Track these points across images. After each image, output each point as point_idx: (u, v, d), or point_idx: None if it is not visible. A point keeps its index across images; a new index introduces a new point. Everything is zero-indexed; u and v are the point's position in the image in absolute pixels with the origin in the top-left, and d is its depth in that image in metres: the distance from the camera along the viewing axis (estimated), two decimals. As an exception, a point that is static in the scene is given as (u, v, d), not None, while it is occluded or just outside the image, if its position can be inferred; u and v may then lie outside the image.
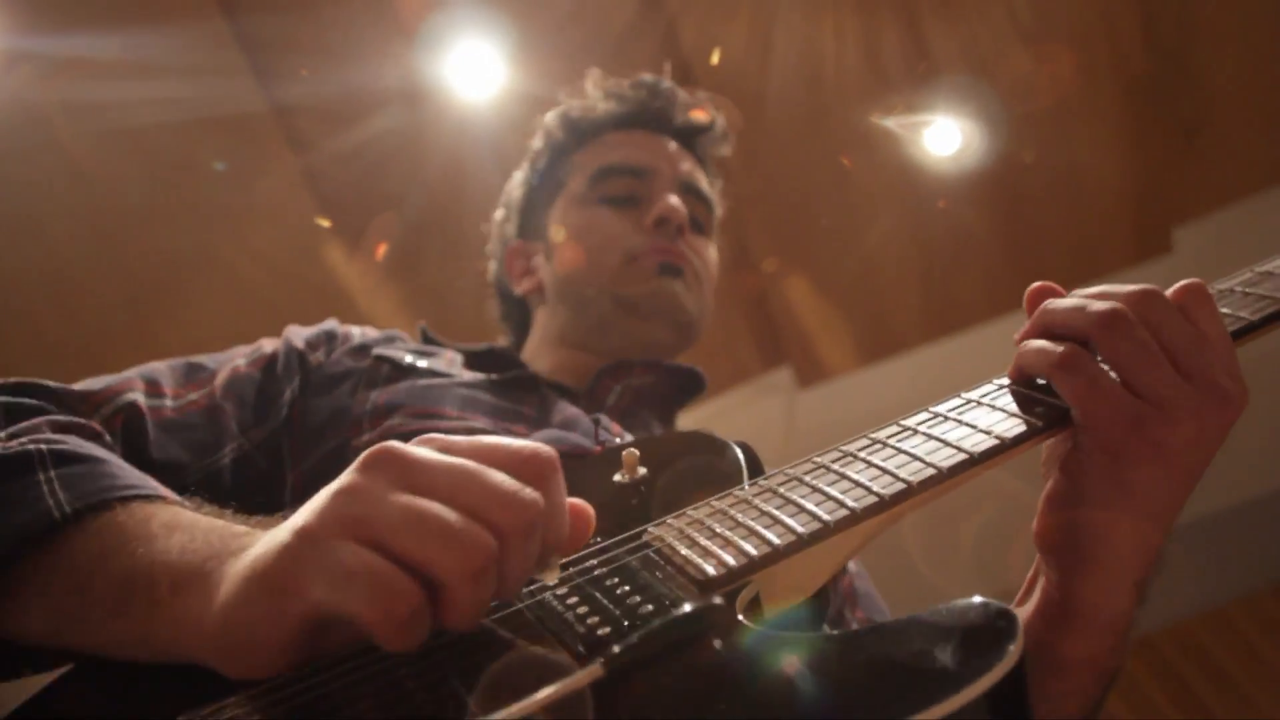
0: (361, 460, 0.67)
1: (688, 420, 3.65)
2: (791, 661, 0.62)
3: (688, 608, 0.67)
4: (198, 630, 0.69)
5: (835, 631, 0.68)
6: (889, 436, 0.86)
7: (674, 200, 1.52)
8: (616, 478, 0.91)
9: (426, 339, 1.52)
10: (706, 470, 0.91)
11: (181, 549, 0.75)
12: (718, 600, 0.68)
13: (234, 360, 1.28)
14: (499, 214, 1.77)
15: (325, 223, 2.93)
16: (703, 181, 1.66)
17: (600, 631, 0.66)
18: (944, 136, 3.20)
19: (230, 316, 2.93)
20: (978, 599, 0.62)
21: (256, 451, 1.20)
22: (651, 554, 0.75)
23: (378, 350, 1.35)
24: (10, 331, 2.85)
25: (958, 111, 3.16)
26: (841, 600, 1.27)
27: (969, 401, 0.88)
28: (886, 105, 3.13)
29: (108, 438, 1.04)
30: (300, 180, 2.83)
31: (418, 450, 0.67)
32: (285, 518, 0.75)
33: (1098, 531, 0.85)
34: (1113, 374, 0.83)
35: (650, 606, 0.68)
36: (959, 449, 0.80)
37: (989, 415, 0.84)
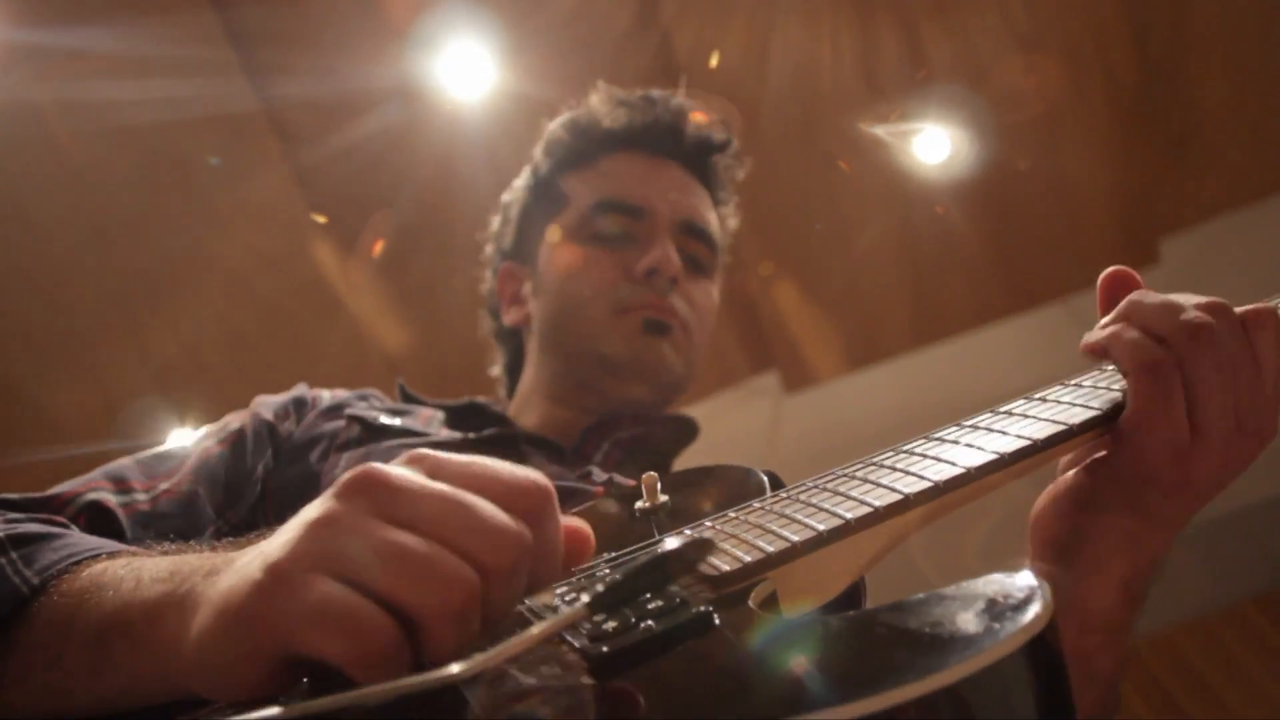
0: (342, 484, 0.62)
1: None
2: (806, 640, 0.60)
3: (697, 601, 0.66)
4: (177, 656, 0.66)
5: (852, 613, 0.66)
6: (917, 446, 0.85)
7: (668, 251, 1.44)
8: (638, 505, 0.90)
9: (406, 396, 1.47)
10: (730, 492, 0.89)
11: (152, 579, 0.73)
12: (730, 595, 0.67)
13: (203, 442, 1.24)
14: (495, 221, 1.70)
15: (321, 219, 2.92)
16: (707, 216, 1.57)
17: (607, 625, 0.64)
18: (934, 144, 3.21)
19: (221, 313, 2.93)
20: (998, 574, 0.60)
21: (234, 532, 1.15)
22: (668, 554, 0.74)
23: (350, 410, 1.31)
24: (1, 328, 2.84)
25: (948, 119, 3.16)
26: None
27: (1001, 414, 0.88)
28: (877, 113, 3.14)
29: (74, 529, 1.01)
30: (291, 178, 2.83)
31: (402, 474, 0.63)
32: (262, 536, 0.72)
33: (1103, 537, 0.85)
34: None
35: (659, 601, 0.66)
36: (986, 450, 0.80)
37: (1020, 424, 0.84)
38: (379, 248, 2.87)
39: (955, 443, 0.83)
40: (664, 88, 1.65)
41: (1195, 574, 4.08)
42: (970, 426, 0.86)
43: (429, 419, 1.37)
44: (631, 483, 1.20)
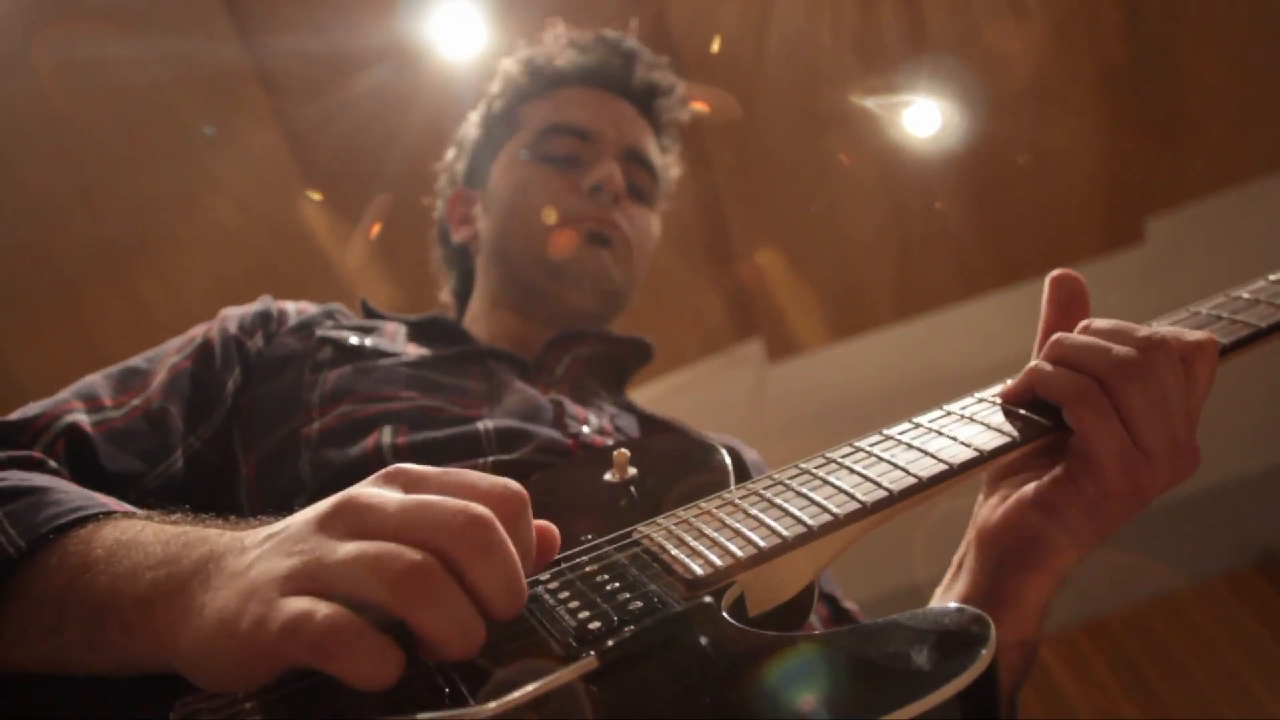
0: (324, 511, 0.68)
1: (656, 393, 3.65)
2: (774, 660, 0.64)
3: (676, 606, 0.69)
4: (174, 653, 0.70)
5: (816, 632, 0.70)
6: (873, 445, 0.89)
7: (612, 169, 1.50)
8: (606, 477, 0.93)
9: (367, 312, 1.50)
10: (694, 472, 0.93)
11: (137, 566, 0.76)
12: (706, 599, 0.71)
13: (168, 357, 1.26)
14: (450, 153, 1.75)
15: (316, 196, 2.92)
16: (651, 149, 1.63)
17: (591, 626, 0.67)
18: (923, 118, 3.22)
19: (208, 263, 2.93)
20: (953, 604, 0.66)
21: (207, 448, 1.19)
22: (641, 552, 0.77)
23: (321, 331, 1.33)
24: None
25: (937, 93, 3.17)
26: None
27: (950, 414, 0.92)
28: (866, 85, 3.15)
29: (52, 463, 1.04)
30: (282, 137, 2.82)
31: (373, 495, 0.68)
32: (243, 519, 0.78)
33: (1055, 538, 0.91)
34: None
35: (640, 604, 0.69)
36: (938, 459, 0.84)
37: (968, 428, 0.88)
38: (366, 209, 2.87)
39: (909, 446, 0.87)
40: (658, 56, 1.68)
41: (1166, 551, 4.13)
42: (924, 428, 0.90)
43: (394, 334, 1.41)
44: (599, 441, 1.25)
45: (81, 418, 1.11)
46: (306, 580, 0.64)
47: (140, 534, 0.80)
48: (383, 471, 0.72)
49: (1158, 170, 3.48)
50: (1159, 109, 3.32)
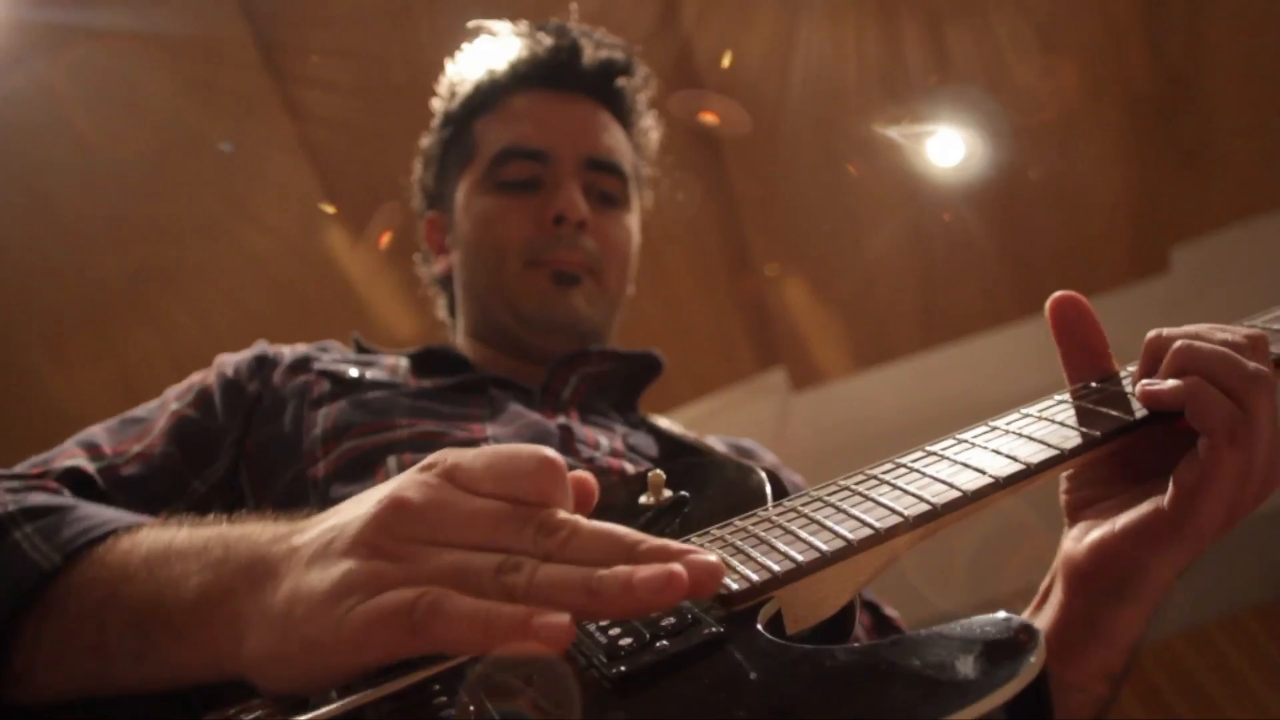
0: (376, 512, 0.66)
1: (680, 420, 3.65)
2: (810, 672, 0.62)
3: (709, 621, 0.68)
4: (234, 659, 0.68)
5: (857, 645, 0.68)
6: (916, 460, 0.86)
7: (573, 196, 1.44)
8: (642, 500, 0.92)
9: (360, 349, 1.47)
10: (733, 493, 0.91)
11: (181, 573, 0.74)
12: (741, 615, 0.69)
13: (169, 405, 1.24)
14: (418, 165, 1.67)
15: (330, 208, 2.94)
16: (616, 145, 1.55)
17: (622, 642, 0.66)
18: (947, 147, 3.22)
19: (235, 290, 2.95)
20: (1001, 614, 0.62)
21: (213, 493, 1.18)
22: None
23: (318, 365, 1.31)
24: (17, 304, 2.86)
25: (962, 122, 3.17)
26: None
27: (994, 429, 0.89)
28: (891, 115, 3.15)
29: (66, 492, 1.02)
30: (302, 154, 2.84)
31: (431, 497, 0.67)
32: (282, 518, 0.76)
33: (1149, 577, 0.87)
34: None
35: (672, 619, 0.68)
36: (982, 472, 0.81)
37: (1012, 442, 0.85)
38: (389, 230, 2.88)
39: (952, 460, 0.84)
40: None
41: (1194, 584, 4.08)
42: (966, 442, 0.87)
43: (394, 366, 1.39)
44: (613, 464, 1.22)
45: (85, 464, 1.10)
46: (365, 587, 0.63)
47: (175, 539, 0.78)
48: (420, 465, 0.69)
49: (1182, 199, 3.47)
50: (1183, 139, 3.31)
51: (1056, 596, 0.94)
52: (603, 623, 0.69)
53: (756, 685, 0.62)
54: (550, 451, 0.68)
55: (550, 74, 1.53)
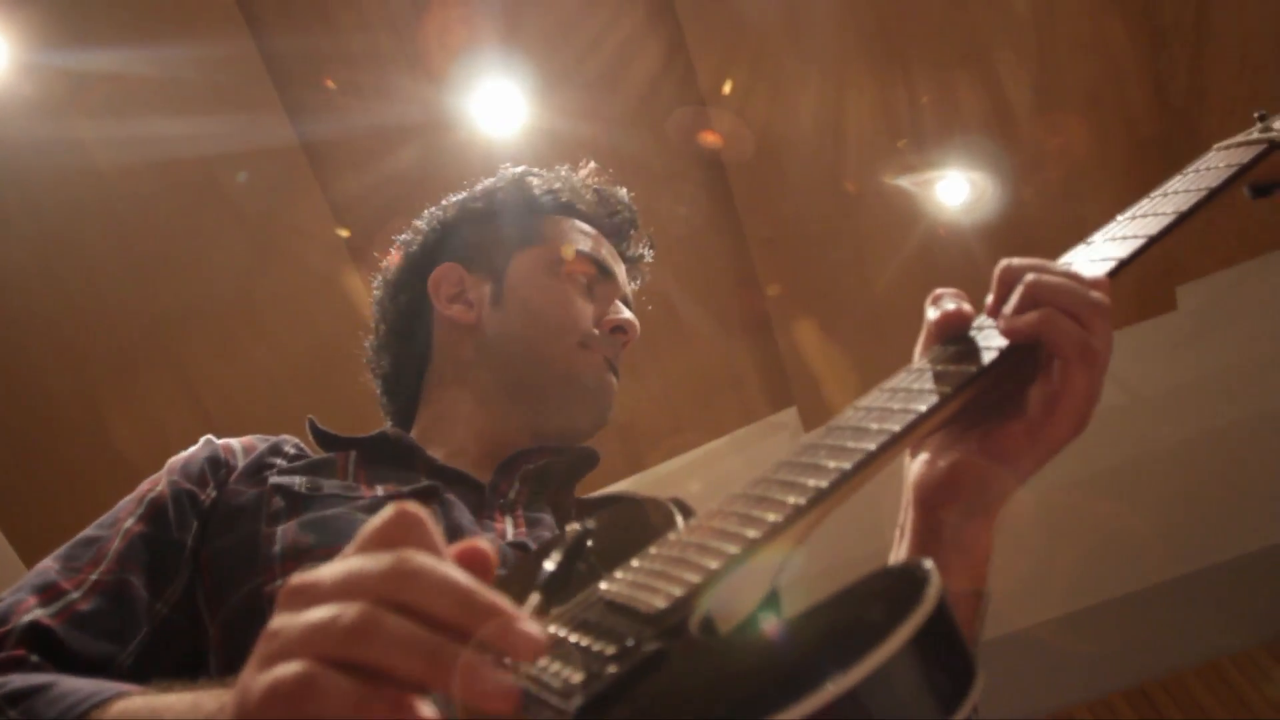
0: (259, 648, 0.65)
1: (693, 460, 3.65)
2: (745, 657, 0.68)
3: (647, 641, 0.71)
4: None
5: (777, 624, 0.74)
6: (797, 455, 0.92)
7: (632, 316, 1.57)
8: (547, 563, 0.94)
9: (316, 432, 1.47)
10: (644, 525, 0.95)
11: None
12: (674, 628, 0.73)
13: (121, 522, 1.23)
14: (432, 221, 1.69)
15: (344, 233, 2.98)
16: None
17: (574, 680, 0.69)
18: (955, 188, 3.27)
19: (254, 340, 2.99)
20: (901, 561, 0.68)
21: (175, 613, 1.17)
22: (607, 605, 0.80)
23: (273, 479, 1.30)
24: (47, 348, 2.91)
25: (969, 165, 3.22)
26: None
27: (858, 409, 0.96)
28: (899, 159, 3.20)
29: (34, 658, 1.05)
30: (327, 212, 2.89)
31: (293, 615, 0.64)
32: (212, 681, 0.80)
33: (1002, 489, 0.96)
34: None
35: (613, 648, 0.72)
36: (881, 431, 0.88)
37: (881, 416, 0.92)
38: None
39: (834, 447, 0.90)
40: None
41: (1208, 618, 4.10)
42: (864, 411, 0.94)
43: (345, 466, 1.38)
44: (533, 544, 1.25)
45: (39, 614, 1.10)
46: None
47: (148, 707, 0.84)
48: (280, 599, 0.67)
49: (1187, 238, 3.51)
50: (1188, 179, 3.35)
51: (912, 524, 1.02)
52: (554, 669, 0.71)
53: (708, 685, 0.67)
54: (410, 505, 0.68)
55: (613, 230, 1.68)
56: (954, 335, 1.01)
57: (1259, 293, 3.68)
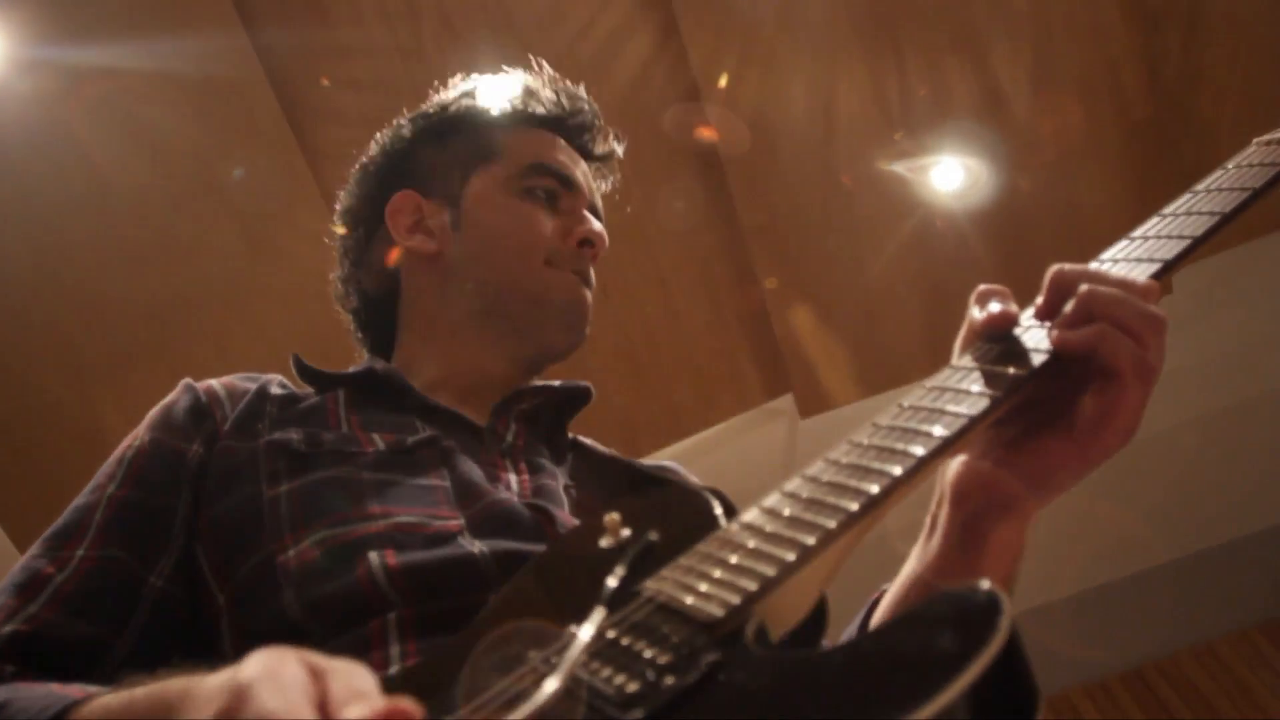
0: None
1: (689, 448, 3.65)
2: (813, 675, 0.66)
3: (704, 652, 0.70)
4: None
5: (840, 644, 0.72)
6: (841, 457, 0.90)
7: (599, 227, 1.51)
8: (602, 543, 0.93)
9: (301, 370, 1.43)
10: (687, 519, 0.93)
11: None
12: (729, 637, 0.72)
13: (104, 490, 1.19)
14: (378, 145, 1.64)
15: (341, 231, 2.97)
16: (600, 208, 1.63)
17: (630, 690, 0.68)
18: (950, 174, 3.27)
19: (249, 334, 2.98)
20: (966, 585, 0.66)
21: (172, 584, 1.14)
22: (658, 608, 0.78)
23: (267, 438, 1.24)
24: (39, 338, 2.90)
25: (963, 150, 3.22)
26: None
27: (933, 389, 0.96)
28: (895, 145, 3.20)
29: (10, 668, 1.02)
30: (321, 205, 2.88)
31: None
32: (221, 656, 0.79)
33: (1043, 494, 0.94)
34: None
35: (670, 657, 0.71)
36: (928, 435, 0.86)
37: (928, 418, 0.90)
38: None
39: (882, 448, 0.88)
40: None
41: (1203, 600, 4.11)
42: (897, 424, 0.92)
43: (336, 410, 1.33)
44: (562, 511, 1.21)
45: (19, 625, 1.06)
46: None
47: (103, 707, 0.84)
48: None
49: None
50: (1183, 162, 3.35)
51: (946, 519, 0.99)
52: (606, 675, 0.71)
53: (768, 700, 0.66)
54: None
55: (576, 135, 1.60)
56: (998, 335, 0.99)
57: (1255, 276, 3.69)
